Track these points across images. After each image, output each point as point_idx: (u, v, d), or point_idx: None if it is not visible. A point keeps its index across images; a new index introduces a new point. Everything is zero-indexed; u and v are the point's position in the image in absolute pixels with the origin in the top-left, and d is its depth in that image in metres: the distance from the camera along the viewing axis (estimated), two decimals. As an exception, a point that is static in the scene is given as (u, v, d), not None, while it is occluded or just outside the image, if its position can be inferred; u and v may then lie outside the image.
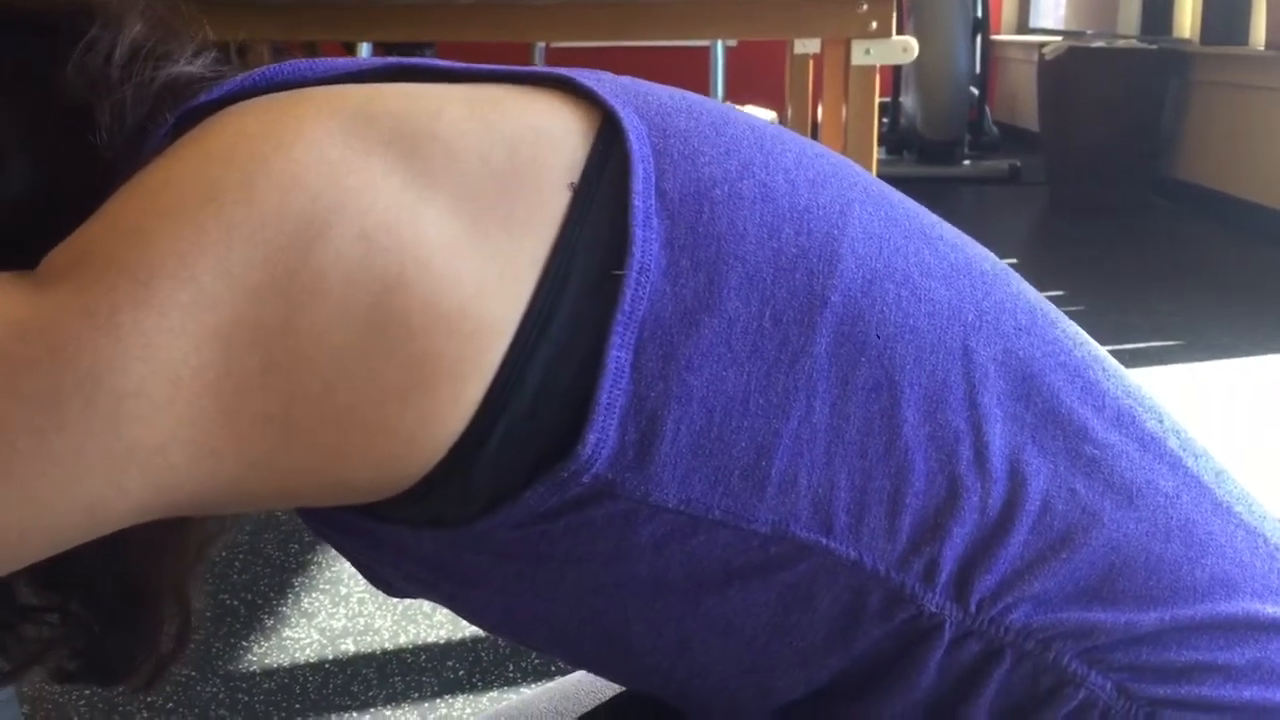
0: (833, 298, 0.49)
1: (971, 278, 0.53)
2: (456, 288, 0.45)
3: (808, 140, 0.56)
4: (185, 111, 0.51)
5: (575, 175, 0.48)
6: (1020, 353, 0.52)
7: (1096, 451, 0.51)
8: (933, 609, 0.49)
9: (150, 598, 0.59)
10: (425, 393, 0.44)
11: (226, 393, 0.42)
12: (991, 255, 0.57)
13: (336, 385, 0.44)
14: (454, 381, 0.45)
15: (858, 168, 0.56)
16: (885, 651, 0.50)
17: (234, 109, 0.49)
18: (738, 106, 0.57)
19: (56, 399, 0.41)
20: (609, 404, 0.46)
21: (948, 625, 0.49)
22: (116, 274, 0.42)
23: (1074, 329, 0.56)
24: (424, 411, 0.45)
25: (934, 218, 0.57)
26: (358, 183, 0.44)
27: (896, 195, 0.56)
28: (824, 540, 0.48)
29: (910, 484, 0.48)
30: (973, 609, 0.49)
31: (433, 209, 0.45)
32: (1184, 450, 0.54)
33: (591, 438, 0.45)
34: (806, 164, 0.53)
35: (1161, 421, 0.55)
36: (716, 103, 0.56)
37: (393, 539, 0.51)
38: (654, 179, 0.48)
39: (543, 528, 0.47)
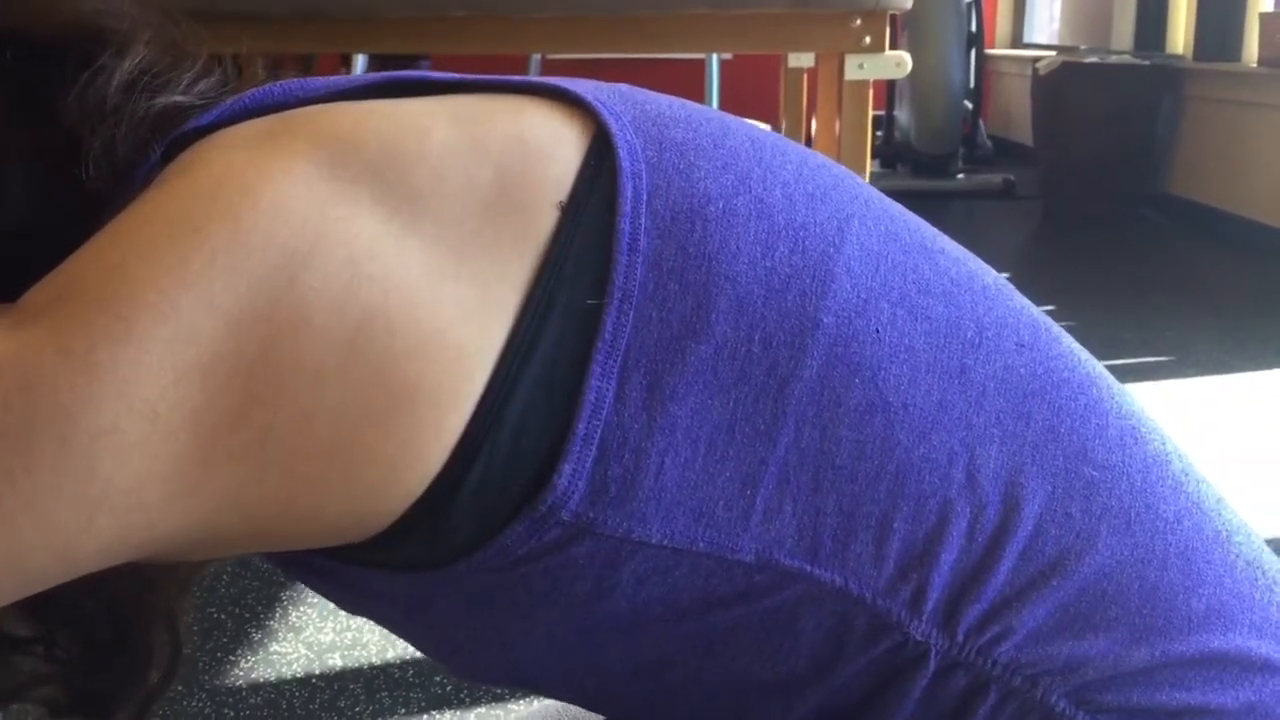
0: (825, 319, 0.47)
1: (972, 294, 0.52)
2: (438, 314, 0.44)
3: (810, 151, 0.55)
4: (175, 138, 0.50)
5: (564, 193, 0.47)
6: (1021, 370, 0.50)
7: (1096, 473, 0.50)
8: (918, 637, 0.47)
9: (140, 628, 0.58)
10: (406, 421, 0.43)
11: (204, 427, 0.41)
12: (992, 271, 0.56)
13: (316, 414, 0.42)
14: (435, 410, 0.43)
15: (859, 180, 0.55)
16: (869, 680, 0.49)
17: (221, 137, 0.48)
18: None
19: (29, 439, 0.39)
20: (586, 435, 0.44)
21: (933, 655, 0.48)
22: (95, 309, 0.41)
23: (1077, 346, 0.55)
24: (404, 440, 0.43)
25: (934, 231, 0.55)
26: (344, 212, 0.44)
27: (897, 208, 0.55)
28: (808, 567, 0.46)
29: (900, 509, 0.47)
30: (959, 638, 0.48)
31: (417, 237, 0.44)
32: (1186, 475, 0.53)
33: (566, 469, 0.44)
34: (807, 177, 0.51)
35: (1164, 444, 0.54)
36: (717, 113, 0.54)
37: (368, 583, 0.49)
38: (645, 196, 0.47)
39: (523, 570, 0.46)
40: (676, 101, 0.54)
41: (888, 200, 0.55)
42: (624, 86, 0.54)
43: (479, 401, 0.44)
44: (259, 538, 0.45)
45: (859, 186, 0.54)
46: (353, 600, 0.53)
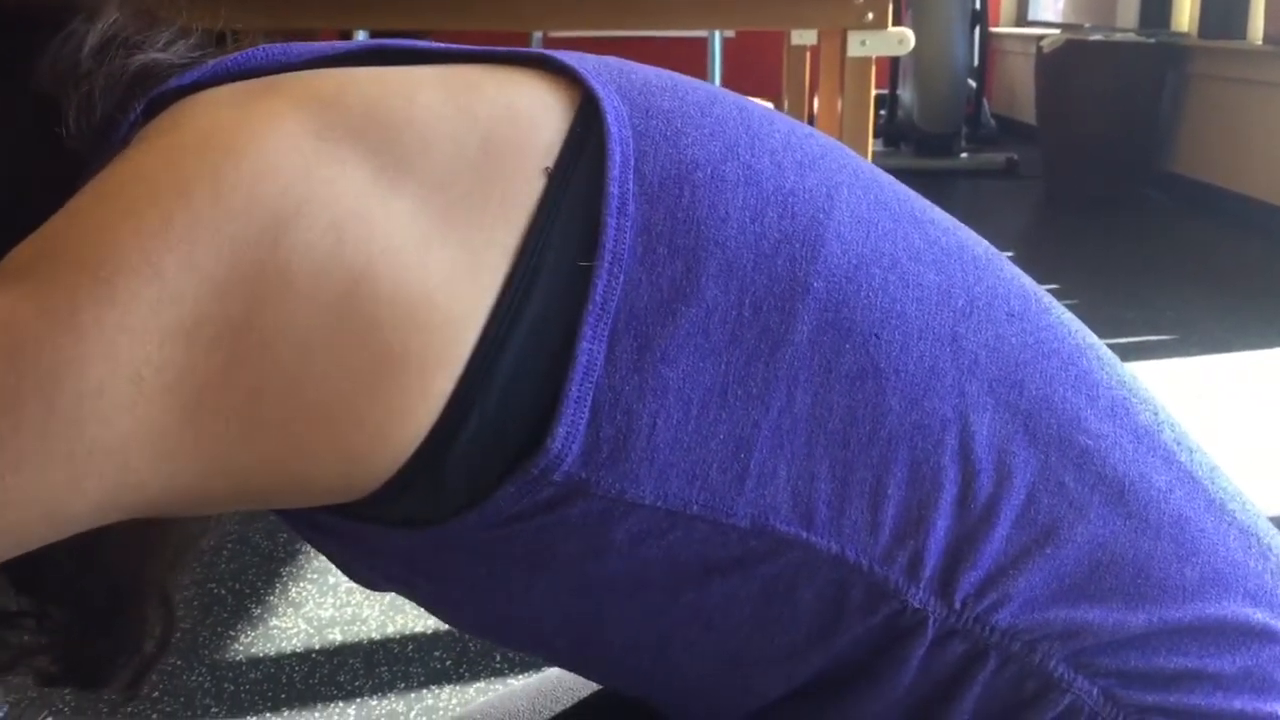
0: (815, 284, 0.47)
1: (963, 263, 0.52)
2: (425, 278, 0.43)
3: (798, 122, 0.55)
4: (155, 97, 0.50)
5: (551, 159, 0.47)
6: (1013, 339, 0.50)
7: (1090, 442, 0.50)
8: (916, 604, 0.47)
9: (133, 600, 0.58)
10: (392, 385, 0.43)
11: (189, 390, 0.41)
12: (985, 241, 0.56)
13: (302, 379, 0.42)
14: (422, 374, 0.43)
15: (848, 150, 0.55)
16: (867, 648, 0.49)
17: (205, 97, 0.48)
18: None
19: (15, 401, 0.39)
20: (579, 398, 0.44)
21: (931, 622, 0.48)
22: (79, 271, 0.41)
23: (1068, 316, 0.55)
24: (392, 405, 0.43)
25: (925, 202, 0.55)
26: (329, 174, 0.43)
27: (887, 178, 0.55)
28: (804, 534, 0.46)
29: (893, 474, 0.47)
30: (957, 606, 0.48)
31: (404, 199, 0.44)
32: (1178, 444, 0.53)
33: (560, 431, 0.44)
34: (795, 146, 0.51)
35: (1156, 414, 0.53)
36: (704, 84, 0.54)
37: (367, 538, 0.49)
38: (633, 161, 0.47)
39: (516, 528, 0.46)
40: (664, 72, 0.54)
41: (876, 170, 0.55)
42: (611, 58, 0.54)
43: (467, 364, 0.44)
44: (251, 498, 0.45)
45: (847, 156, 0.54)
46: (356, 557, 0.53)
